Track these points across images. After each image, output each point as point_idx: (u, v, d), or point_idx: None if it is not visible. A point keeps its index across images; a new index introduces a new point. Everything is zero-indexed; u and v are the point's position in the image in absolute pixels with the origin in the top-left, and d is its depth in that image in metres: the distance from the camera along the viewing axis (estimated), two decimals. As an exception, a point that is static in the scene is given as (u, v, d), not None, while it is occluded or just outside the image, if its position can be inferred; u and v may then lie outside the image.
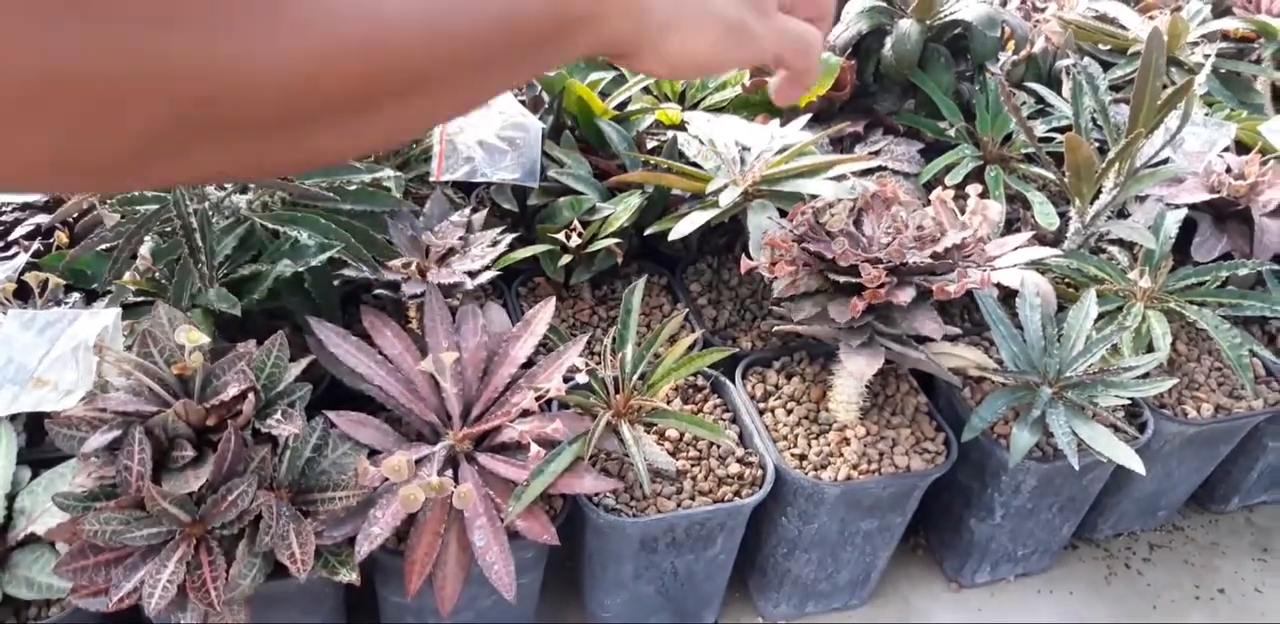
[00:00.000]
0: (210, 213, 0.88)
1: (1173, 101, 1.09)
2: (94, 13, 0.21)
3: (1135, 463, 0.92)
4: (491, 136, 1.05)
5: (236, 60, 0.24)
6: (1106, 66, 1.53)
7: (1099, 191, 1.16)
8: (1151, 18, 1.65)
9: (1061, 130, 1.31)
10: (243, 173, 0.30)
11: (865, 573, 1.08)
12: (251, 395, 0.76)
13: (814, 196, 1.06)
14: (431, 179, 1.03)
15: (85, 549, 0.74)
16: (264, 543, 0.74)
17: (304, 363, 0.83)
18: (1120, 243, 1.23)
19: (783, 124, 1.25)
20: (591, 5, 0.39)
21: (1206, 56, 1.51)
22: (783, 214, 1.08)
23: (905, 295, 0.93)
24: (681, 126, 1.25)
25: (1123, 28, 1.56)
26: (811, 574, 1.05)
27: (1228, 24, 1.54)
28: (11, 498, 0.83)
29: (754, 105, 1.32)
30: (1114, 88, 1.42)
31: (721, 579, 1.03)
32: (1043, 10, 1.63)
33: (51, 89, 0.21)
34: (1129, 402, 1.03)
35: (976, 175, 1.30)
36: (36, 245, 0.99)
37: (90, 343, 0.75)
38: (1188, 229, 1.25)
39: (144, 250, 0.94)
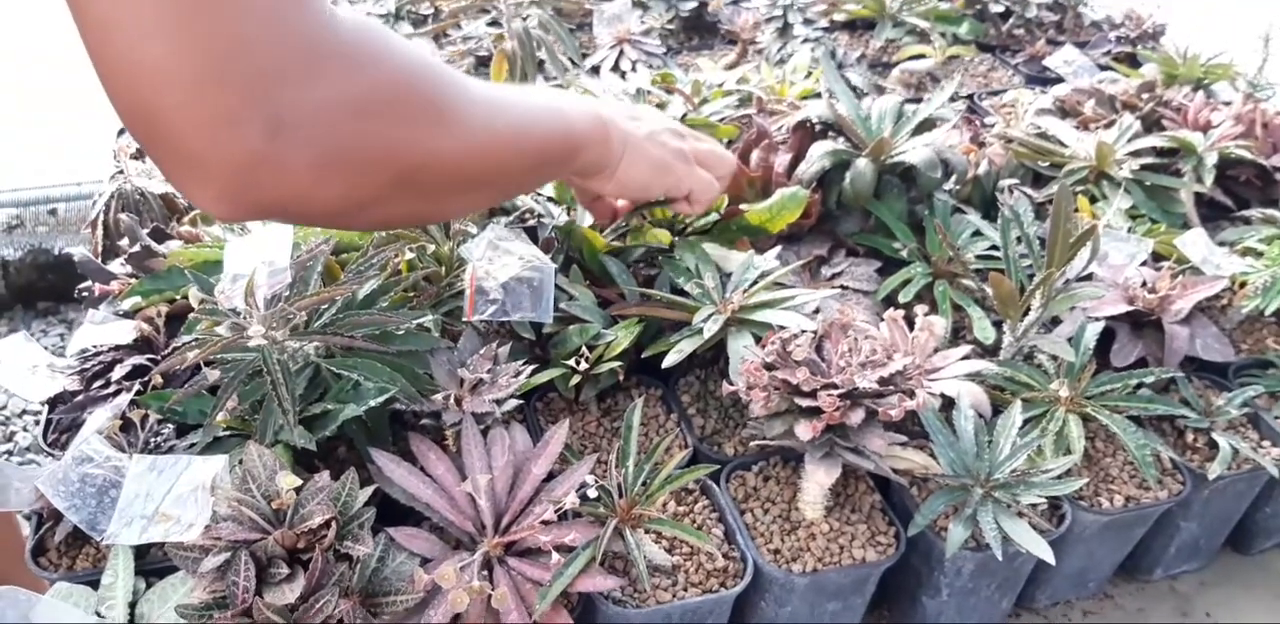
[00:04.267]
0: (289, 362, 1.09)
1: (1082, 240, 1.29)
2: (371, 117, 0.43)
3: (1047, 554, 1.12)
4: (513, 279, 1.26)
5: (430, 147, 0.47)
6: (1046, 180, 1.75)
7: (1028, 309, 1.36)
8: (1089, 130, 1.87)
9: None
10: (414, 221, 0.59)
11: (834, 645, 1.28)
12: (333, 523, 0.96)
13: (783, 326, 1.27)
14: (464, 319, 1.24)
15: (203, 649, 0.94)
16: (344, 643, 0.94)
17: (369, 490, 1.03)
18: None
19: (759, 250, 1.47)
20: (588, 136, 0.68)
21: (1133, 170, 1.73)
22: (757, 339, 1.28)
23: (856, 417, 1.13)
24: (670, 248, 1.47)
25: (1062, 144, 1.78)
26: (788, 647, 1.24)
27: (1152, 141, 1.76)
28: (132, 606, 1.02)
29: (733, 231, 1.53)
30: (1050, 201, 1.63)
31: (711, 654, 1.22)
32: (990, 127, 1.85)
33: (343, 158, 0.43)
34: (1047, 500, 1.22)
35: (929, 288, 1.51)
36: (137, 385, 1.20)
37: (207, 485, 0.95)
38: (1110, 336, 1.45)
39: (229, 388, 1.14)
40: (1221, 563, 1.51)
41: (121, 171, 1.59)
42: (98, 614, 1.01)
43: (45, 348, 1.81)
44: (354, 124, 0.42)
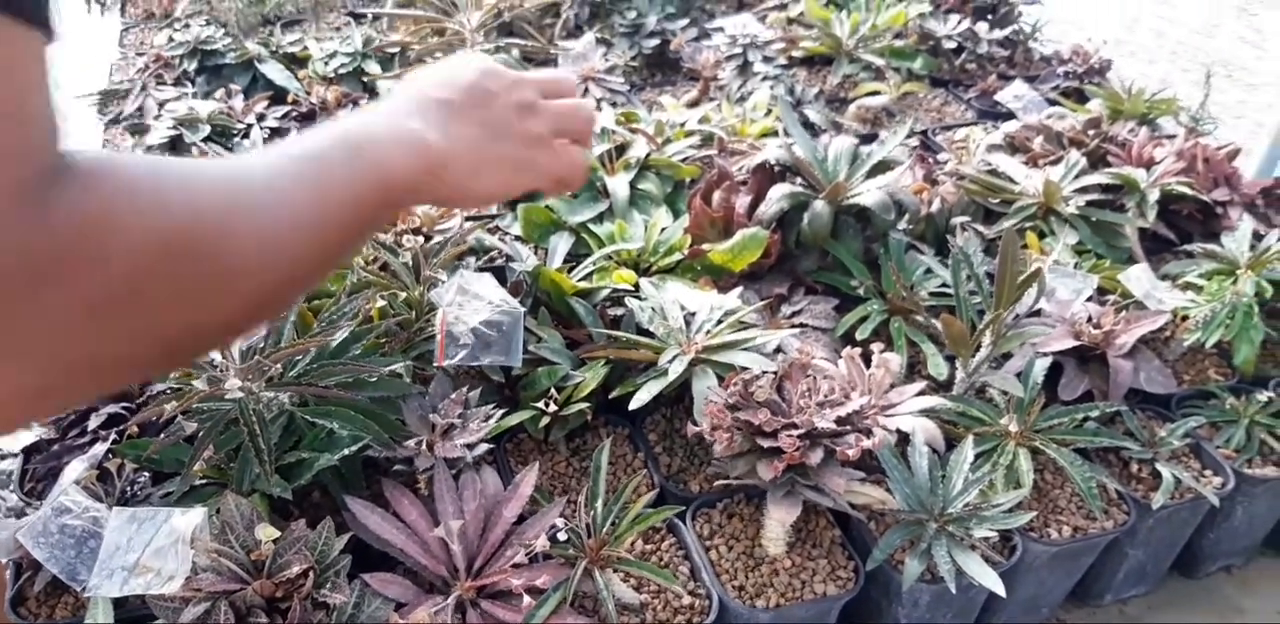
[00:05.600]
0: (264, 411, 1.12)
1: (1029, 281, 1.35)
2: (114, 315, 0.36)
3: (998, 587, 1.17)
4: (482, 324, 1.30)
5: (205, 309, 0.39)
6: (997, 216, 1.82)
7: (979, 346, 1.42)
8: (1038, 166, 1.94)
9: (953, 285, 1.58)
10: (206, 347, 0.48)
11: (798, 675, 1.32)
12: (311, 573, 0.99)
13: (745, 367, 1.31)
14: (435, 364, 1.27)
15: (183, 699, 0.96)
16: (322, 690, 0.97)
17: (345, 538, 1.06)
18: (1000, 386, 1.49)
19: (722, 289, 1.52)
20: (414, 179, 0.52)
21: (1080, 207, 1.80)
22: (720, 379, 1.33)
23: (816, 457, 1.17)
24: (636, 288, 1.51)
25: (1012, 181, 1.85)
26: (753, 679, 1.28)
27: (1098, 178, 1.83)
28: (113, 653, 1.05)
29: (696, 271, 1.57)
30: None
31: (680, 688, 1.26)
32: (943, 164, 1.92)
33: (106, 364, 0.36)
34: (998, 533, 1.28)
35: (885, 325, 1.56)
36: (113, 434, 1.22)
37: (187, 537, 0.98)
38: (1058, 370, 1.51)
39: (205, 436, 1.16)
40: (1169, 587, 1.58)
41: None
42: (77, 665, 1.03)
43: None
44: (94, 330, 0.35)
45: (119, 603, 1.10)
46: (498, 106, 0.60)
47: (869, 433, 1.20)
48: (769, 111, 2.04)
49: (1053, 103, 2.26)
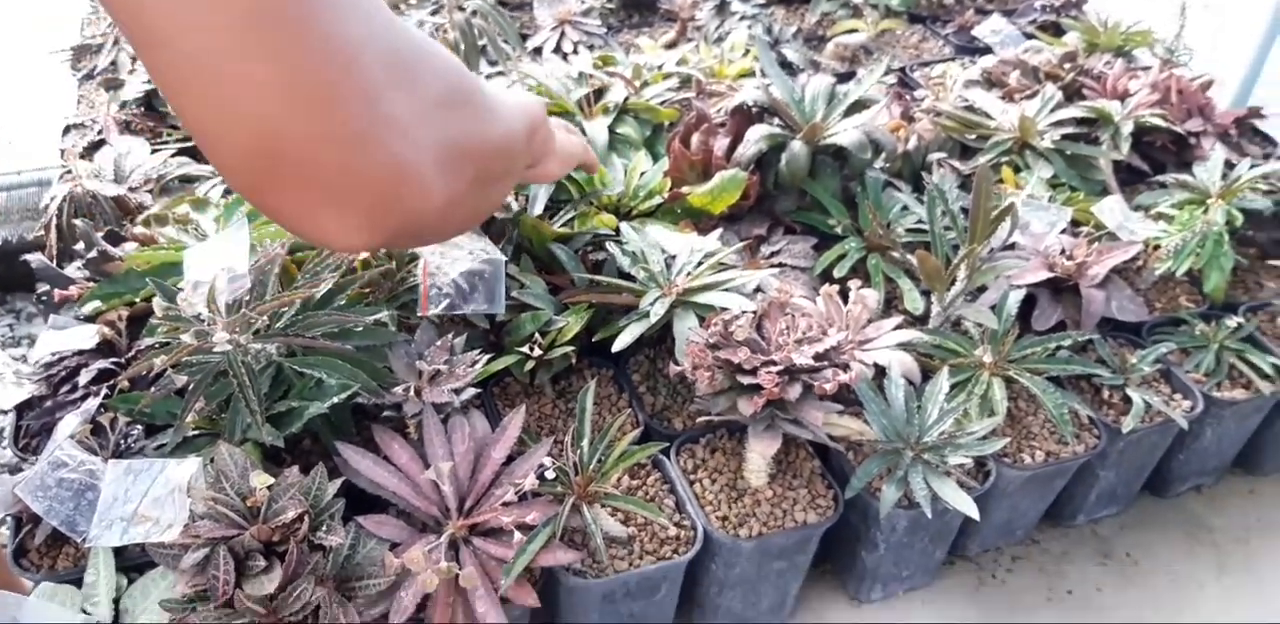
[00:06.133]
0: (252, 363, 1.14)
1: (1002, 216, 1.37)
2: (452, 109, 0.46)
3: (973, 511, 1.21)
4: (465, 273, 1.31)
5: (488, 133, 0.52)
6: (974, 152, 1.83)
7: (954, 281, 1.45)
8: (1014, 101, 1.94)
9: (929, 222, 1.59)
10: (473, 222, 0.59)
11: (781, 599, 1.37)
12: (306, 517, 1.03)
13: (725, 308, 1.33)
14: (419, 314, 1.29)
15: (190, 638, 1.00)
16: (323, 625, 1.01)
17: (338, 483, 1.09)
18: (975, 319, 1.52)
19: (702, 231, 1.53)
20: (540, 115, 0.73)
21: (1055, 141, 1.81)
22: (701, 319, 1.35)
23: (794, 392, 1.21)
24: (616, 232, 1.52)
25: (988, 117, 1.85)
26: (739, 605, 1.33)
27: (1073, 112, 1.84)
28: (116, 601, 1.08)
29: (676, 213, 1.59)
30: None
31: (667, 616, 1.31)
32: (920, 101, 1.92)
33: (454, 152, 0.48)
34: (973, 459, 1.32)
35: (863, 262, 1.58)
36: (104, 389, 1.24)
37: (183, 486, 1.01)
38: (1032, 301, 1.54)
39: (196, 389, 1.19)
40: (1140, 506, 1.63)
41: (70, 171, 1.61)
42: (84, 611, 1.07)
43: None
44: (447, 118, 0.44)
45: (119, 552, 1.14)
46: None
47: (846, 367, 1.23)
48: (747, 52, 2.02)
49: (1030, 37, 2.25)
